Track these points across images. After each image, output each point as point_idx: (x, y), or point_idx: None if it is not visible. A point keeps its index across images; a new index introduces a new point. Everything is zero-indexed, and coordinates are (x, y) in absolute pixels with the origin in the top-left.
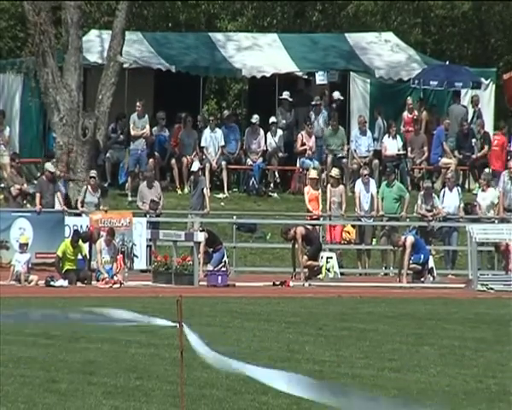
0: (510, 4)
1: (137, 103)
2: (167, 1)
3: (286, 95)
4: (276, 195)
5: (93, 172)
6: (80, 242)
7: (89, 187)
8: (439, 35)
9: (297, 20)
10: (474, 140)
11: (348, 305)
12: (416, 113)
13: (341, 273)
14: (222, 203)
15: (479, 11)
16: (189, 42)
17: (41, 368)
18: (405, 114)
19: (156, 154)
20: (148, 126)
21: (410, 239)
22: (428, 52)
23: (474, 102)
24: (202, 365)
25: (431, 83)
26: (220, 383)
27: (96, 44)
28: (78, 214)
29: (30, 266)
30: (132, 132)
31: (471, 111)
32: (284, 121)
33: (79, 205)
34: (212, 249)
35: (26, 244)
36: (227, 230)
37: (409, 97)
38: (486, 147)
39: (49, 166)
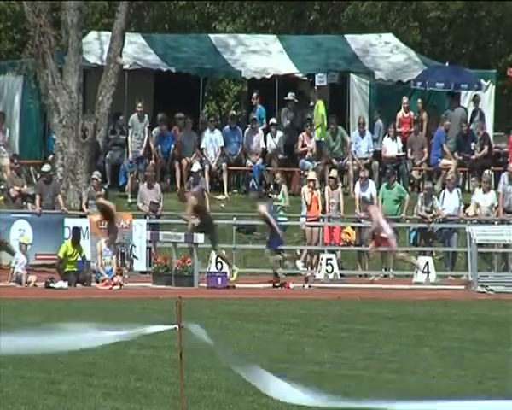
0: (505, 4)
1: (138, 104)
2: (166, 1)
3: (291, 96)
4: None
5: (96, 173)
6: (80, 242)
7: (92, 188)
8: (436, 36)
9: (295, 21)
10: (473, 144)
11: (348, 306)
12: (411, 113)
13: (341, 275)
14: (222, 205)
15: (474, 11)
16: (189, 43)
17: (41, 370)
18: (401, 113)
19: (159, 154)
20: (146, 136)
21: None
22: (426, 53)
23: (476, 101)
24: (202, 367)
25: (437, 85)
26: (220, 385)
27: (95, 46)
28: (83, 216)
29: (29, 267)
30: (130, 139)
31: (470, 111)
32: (288, 122)
33: (84, 206)
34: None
35: (26, 244)
36: (227, 231)
37: (404, 97)
38: (486, 148)
39: (46, 167)
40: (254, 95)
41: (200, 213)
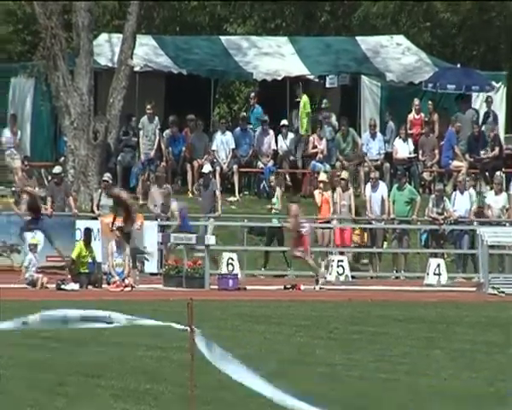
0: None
1: (147, 106)
2: (178, 1)
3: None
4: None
5: (107, 175)
6: (91, 244)
7: (102, 190)
8: (446, 38)
9: (306, 23)
10: (482, 152)
11: (359, 308)
12: (422, 115)
13: (352, 277)
14: (233, 206)
15: (485, 12)
16: (200, 45)
17: (48, 371)
18: (412, 115)
19: (170, 156)
20: (157, 138)
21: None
22: (436, 55)
23: (488, 102)
24: (212, 367)
25: (448, 86)
26: (231, 386)
27: (106, 48)
28: (94, 218)
29: (38, 269)
30: (141, 141)
31: (482, 113)
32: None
33: (95, 208)
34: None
35: (36, 245)
36: (238, 233)
37: (415, 98)
38: (497, 149)
39: (57, 169)
40: (252, 94)
41: (123, 206)
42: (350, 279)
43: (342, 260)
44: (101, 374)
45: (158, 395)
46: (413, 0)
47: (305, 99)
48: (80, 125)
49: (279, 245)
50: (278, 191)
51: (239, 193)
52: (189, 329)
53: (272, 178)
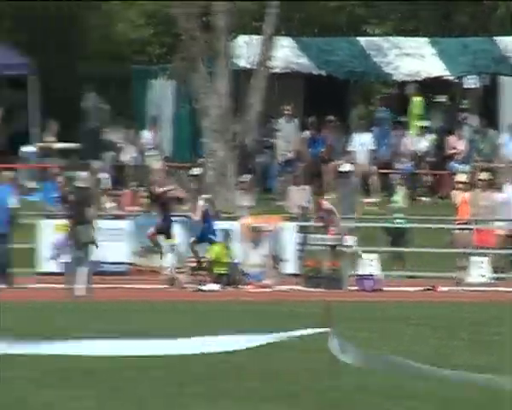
0: None
1: (286, 107)
2: (316, 1)
3: (441, 98)
4: (425, 199)
5: (245, 177)
6: (231, 245)
7: (241, 191)
8: None
9: (443, 23)
10: None
11: (500, 310)
12: None
13: (496, 278)
14: (371, 207)
15: None
16: (339, 46)
17: (172, 371)
18: None
19: (309, 157)
20: (296, 139)
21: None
22: None
23: None
24: (349, 369)
25: None
26: (372, 388)
27: (245, 49)
28: (233, 219)
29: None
30: (279, 142)
31: None
32: (439, 124)
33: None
34: None
35: (174, 245)
36: (377, 234)
37: None
38: None
39: (196, 171)
40: (378, 97)
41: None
42: (491, 281)
43: (482, 262)
44: (239, 375)
45: (294, 398)
46: None
47: (416, 100)
48: (219, 126)
49: (406, 246)
50: (401, 190)
51: (377, 194)
52: (325, 330)
53: (397, 176)
